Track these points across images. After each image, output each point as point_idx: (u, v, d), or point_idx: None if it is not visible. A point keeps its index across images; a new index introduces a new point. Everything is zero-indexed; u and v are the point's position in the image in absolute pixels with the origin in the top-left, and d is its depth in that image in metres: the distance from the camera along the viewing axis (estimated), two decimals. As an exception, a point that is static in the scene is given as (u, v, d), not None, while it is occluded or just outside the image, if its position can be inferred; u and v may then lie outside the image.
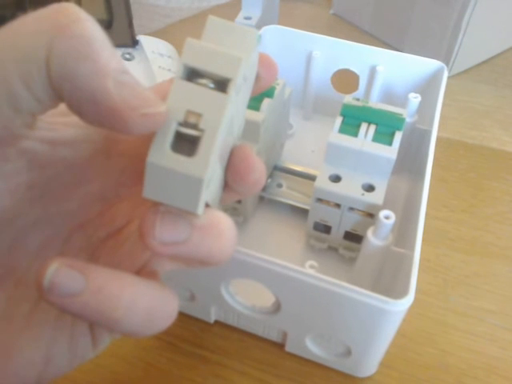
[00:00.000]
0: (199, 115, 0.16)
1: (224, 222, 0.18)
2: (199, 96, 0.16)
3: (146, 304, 0.17)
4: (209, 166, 0.15)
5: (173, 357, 0.32)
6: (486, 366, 0.33)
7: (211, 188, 0.17)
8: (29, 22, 0.15)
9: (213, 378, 0.31)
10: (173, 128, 0.15)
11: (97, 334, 0.19)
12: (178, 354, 0.32)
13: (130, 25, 0.52)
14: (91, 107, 0.15)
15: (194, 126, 0.16)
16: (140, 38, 0.53)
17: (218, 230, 0.17)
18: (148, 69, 0.50)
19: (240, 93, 0.17)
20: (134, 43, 0.52)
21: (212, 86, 0.16)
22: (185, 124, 0.16)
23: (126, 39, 0.52)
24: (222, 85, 0.16)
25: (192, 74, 0.16)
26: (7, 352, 0.17)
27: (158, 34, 0.60)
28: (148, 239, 0.16)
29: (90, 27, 0.15)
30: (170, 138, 0.15)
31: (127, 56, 0.51)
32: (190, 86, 0.16)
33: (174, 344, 0.33)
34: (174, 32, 0.63)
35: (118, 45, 0.51)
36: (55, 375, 0.18)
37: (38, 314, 0.18)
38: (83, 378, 0.31)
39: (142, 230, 0.16)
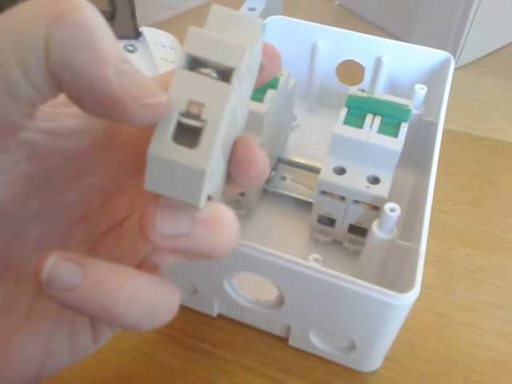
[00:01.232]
0: (202, 105, 0.15)
1: (226, 215, 0.17)
2: (202, 86, 0.15)
3: (146, 298, 0.17)
4: (211, 158, 0.15)
5: (175, 351, 0.32)
6: (492, 361, 0.32)
7: (213, 180, 0.17)
8: (28, 9, 0.14)
9: (217, 372, 0.31)
10: (175, 118, 0.15)
11: (97, 328, 0.19)
12: (181, 348, 0.32)
13: (133, 16, 0.51)
14: (91, 96, 0.14)
15: (197, 117, 0.15)
16: (143, 29, 0.52)
17: (220, 224, 0.17)
18: (151, 61, 0.49)
19: (243, 83, 0.17)
20: (137, 35, 0.52)
21: (215, 75, 0.16)
22: (187, 114, 0.15)
23: (129, 31, 0.51)
24: (225, 74, 0.16)
25: (195, 64, 0.16)
26: (6, 347, 0.17)
27: (162, 25, 0.60)
28: (149, 232, 0.16)
29: (90, 14, 0.14)
30: (171, 128, 0.15)
31: (130, 48, 0.50)
32: (192, 75, 0.15)
33: (177, 338, 0.32)
34: (177, 24, 0.63)
35: (121, 36, 0.51)
36: (55, 370, 0.18)
37: (38, 308, 0.18)
38: (85, 371, 0.31)
39: (143, 223, 0.16)
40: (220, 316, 0.34)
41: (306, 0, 0.69)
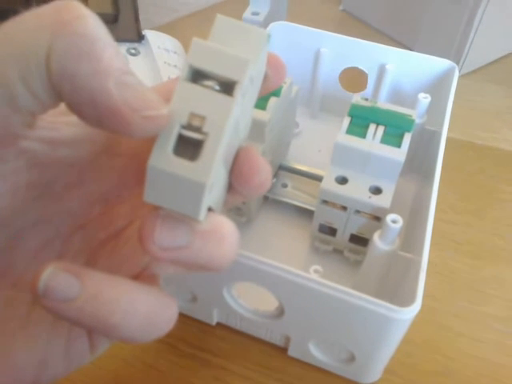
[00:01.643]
0: (203, 118, 0.15)
1: (226, 227, 0.17)
2: (204, 98, 0.15)
3: (143, 310, 0.16)
4: (212, 171, 0.15)
5: (173, 359, 0.32)
6: (492, 374, 0.32)
7: (214, 192, 0.16)
8: (30, 18, 0.14)
9: (215, 381, 0.31)
10: (176, 131, 0.15)
11: (95, 339, 0.19)
12: (179, 356, 0.32)
13: (137, 19, 0.51)
14: (91, 108, 0.14)
15: (198, 129, 0.15)
16: (146, 32, 0.52)
17: (220, 236, 0.17)
18: (153, 64, 0.49)
19: (247, 94, 0.16)
20: (140, 38, 0.51)
21: (218, 88, 0.15)
22: (188, 127, 0.15)
23: (132, 34, 0.51)
24: (227, 87, 0.15)
25: (197, 75, 0.16)
26: (3, 354, 0.17)
27: (165, 28, 0.59)
28: (147, 244, 0.16)
29: (92, 24, 0.14)
30: (172, 141, 0.15)
31: (133, 51, 0.50)
32: (194, 87, 0.15)
33: (174, 346, 0.32)
34: (180, 27, 0.63)
35: (124, 39, 0.50)
36: (51, 379, 0.18)
37: (35, 316, 0.18)
38: (80, 378, 0.30)
39: (142, 234, 0.16)
40: (219, 324, 0.33)
41: (310, 4, 0.69)
